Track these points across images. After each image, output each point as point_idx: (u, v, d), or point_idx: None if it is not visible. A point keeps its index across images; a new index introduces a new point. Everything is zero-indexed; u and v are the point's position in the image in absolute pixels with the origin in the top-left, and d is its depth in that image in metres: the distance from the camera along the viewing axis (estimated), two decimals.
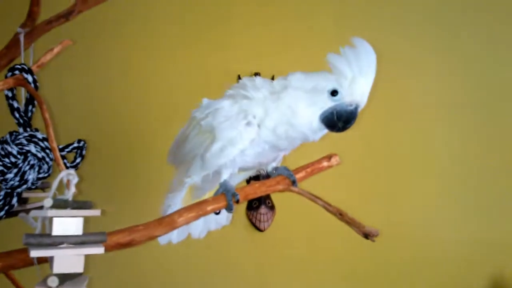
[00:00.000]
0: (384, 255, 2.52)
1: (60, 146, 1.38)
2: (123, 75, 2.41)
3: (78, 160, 1.42)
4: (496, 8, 2.79)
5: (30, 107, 1.37)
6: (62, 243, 0.98)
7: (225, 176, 1.27)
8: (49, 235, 0.99)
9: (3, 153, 1.25)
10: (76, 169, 1.39)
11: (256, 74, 2.39)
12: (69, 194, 1.05)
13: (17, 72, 1.34)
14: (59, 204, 1.01)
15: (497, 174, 2.70)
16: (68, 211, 1.01)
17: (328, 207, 1.23)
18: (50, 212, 0.98)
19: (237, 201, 1.22)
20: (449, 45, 2.75)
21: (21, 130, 1.34)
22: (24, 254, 1.09)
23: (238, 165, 1.28)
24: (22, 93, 1.39)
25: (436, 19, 2.76)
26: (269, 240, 2.49)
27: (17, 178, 1.26)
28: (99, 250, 1.01)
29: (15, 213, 1.37)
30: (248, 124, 1.17)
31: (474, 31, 2.77)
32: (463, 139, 2.70)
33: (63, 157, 1.36)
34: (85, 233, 1.02)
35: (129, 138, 2.35)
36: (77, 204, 1.04)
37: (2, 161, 1.25)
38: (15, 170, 1.26)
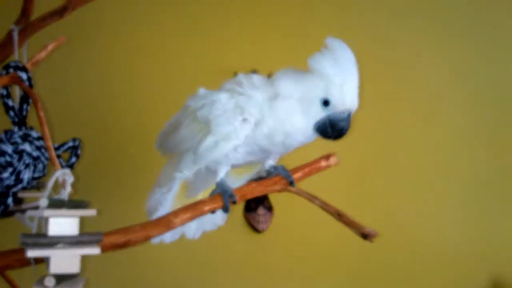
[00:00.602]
0: (383, 256, 2.52)
1: (55, 145, 1.38)
2: (119, 72, 2.40)
3: (73, 159, 1.41)
4: (496, 8, 2.80)
5: (25, 106, 1.37)
6: (58, 243, 0.98)
7: (221, 174, 1.26)
8: (45, 235, 0.99)
9: None
10: (71, 169, 1.39)
11: (254, 71, 2.39)
12: (65, 193, 1.06)
13: (11, 70, 1.34)
14: (55, 204, 1.01)
15: (496, 175, 2.70)
16: (64, 211, 1.01)
17: (325, 207, 1.23)
18: (46, 212, 0.98)
19: (234, 202, 1.21)
20: (450, 45, 2.75)
21: (16, 128, 1.33)
22: (20, 254, 1.06)
23: (231, 162, 1.26)
24: (17, 91, 1.39)
25: (436, 18, 2.76)
26: (267, 242, 2.49)
27: (12, 178, 1.25)
28: (95, 250, 1.01)
29: (11, 213, 1.38)
30: (244, 120, 1.16)
31: (474, 31, 2.77)
32: (462, 139, 2.71)
33: (59, 156, 1.36)
34: (81, 233, 1.02)
35: (125, 137, 2.34)
36: (73, 204, 1.04)
37: None
38: (10, 169, 1.25)
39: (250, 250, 2.49)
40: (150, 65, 2.45)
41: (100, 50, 2.39)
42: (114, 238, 1.10)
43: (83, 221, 1.04)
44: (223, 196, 1.20)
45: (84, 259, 1.01)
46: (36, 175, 1.30)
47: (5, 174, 1.25)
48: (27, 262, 1.06)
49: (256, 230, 2.44)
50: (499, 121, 2.75)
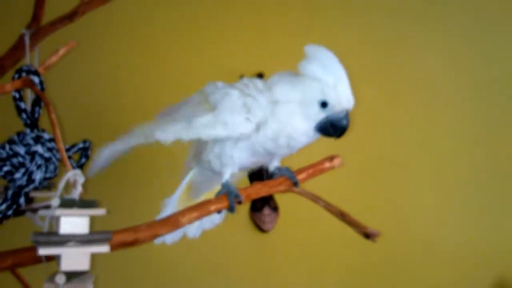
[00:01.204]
0: (387, 255, 2.53)
1: (67, 146, 1.40)
2: (128, 75, 2.43)
3: (84, 160, 1.44)
4: (497, 7, 2.80)
5: (37, 108, 1.39)
6: (69, 241, 1.00)
7: (226, 176, 1.29)
8: (57, 234, 1.01)
9: (11, 153, 1.28)
10: (81, 169, 1.42)
11: (260, 74, 2.41)
12: (76, 193, 1.08)
13: (24, 73, 1.37)
14: (66, 204, 1.03)
15: (499, 175, 2.70)
16: (75, 210, 1.03)
17: (329, 207, 1.25)
18: (58, 211, 1.01)
19: (240, 202, 1.23)
20: (450, 45, 2.74)
21: (28, 130, 1.36)
22: (31, 252, 1.10)
23: (237, 163, 1.29)
24: (28, 95, 1.42)
25: (437, 18, 2.76)
26: (273, 241, 2.51)
27: (25, 178, 1.28)
28: (104, 248, 1.04)
29: (22, 212, 1.40)
30: (246, 119, 1.19)
31: (474, 31, 2.77)
32: (464, 139, 2.70)
33: (69, 157, 1.38)
34: (91, 232, 1.04)
35: None
36: (83, 203, 1.06)
37: (10, 161, 1.28)
38: (22, 170, 1.28)
39: (256, 249, 2.50)
40: (157, 67, 2.47)
41: (108, 54, 2.42)
42: (123, 237, 1.13)
43: (93, 220, 1.06)
44: (229, 196, 1.23)
45: (94, 256, 1.04)
46: (48, 175, 1.33)
47: (18, 175, 1.28)
48: (38, 260, 1.08)
49: (261, 230, 2.46)
50: (500, 120, 2.73)
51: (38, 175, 1.30)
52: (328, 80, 1.16)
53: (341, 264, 2.54)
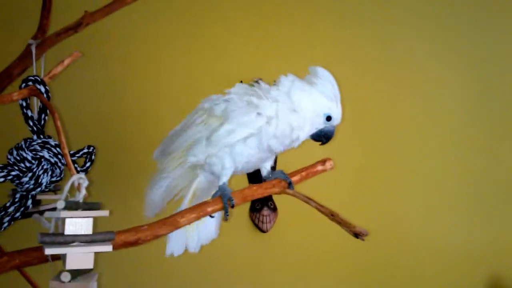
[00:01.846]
0: (384, 255, 2.55)
1: (71, 152, 1.44)
2: (131, 84, 2.47)
3: (88, 164, 1.48)
4: (497, 7, 2.82)
5: (43, 116, 1.43)
6: (73, 241, 1.05)
7: (224, 179, 1.35)
8: (62, 234, 1.06)
9: (18, 158, 1.33)
10: (86, 173, 1.46)
11: (257, 80, 2.46)
12: (80, 196, 1.12)
13: (30, 83, 1.41)
14: (71, 206, 1.08)
15: (496, 176, 2.71)
16: (79, 212, 1.08)
17: (320, 208, 1.30)
18: (63, 213, 1.06)
19: (232, 206, 1.30)
20: (449, 45, 2.76)
21: (35, 137, 1.40)
22: (38, 252, 1.15)
23: (238, 165, 1.36)
24: (35, 103, 1.45)
25: (437, 20, 2.77)
26: (271, 241, 2.54)
27: (32, 182, 1.33)
28: (107, 248, 1.08)
29: (29, 214, 1.45)
30: (259, 114, 1.29)
31: (474, 30, 2.78)
32: (463, 140, 2.71)
33: (74, 162, 1.42)
34: (94, 232, 1.09)
35: (135, 143, 2.41)
36: (87, 206, 1.11)
37: (18, 165, 1.32)
38: (30, 174, 1.32)
39: (255, 249, 2.54)
40: (160, 76, 2.51)
41: (112, 63, 2.46)
42: (125, 237, 1.17)
43: (96, 221, 1.10)
44: (223, 199, 1.29)
45: (97, 255, 1.09)
46: (54, 179, 1.37)
47: (25, 179, 1.32)
48: (44, 259, 1.13)
49: (260, 230, 2.50)
50: (501, 123, 2.75)
51: (44, 179, 1.34)
52: (334, 99, 1.33)
53: (339, 264, 2.57)
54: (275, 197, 2.50)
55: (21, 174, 1.33)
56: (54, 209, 1.11)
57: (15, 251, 1.17)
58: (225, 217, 1.32)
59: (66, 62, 1.51)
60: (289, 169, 1.43)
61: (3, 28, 2.35)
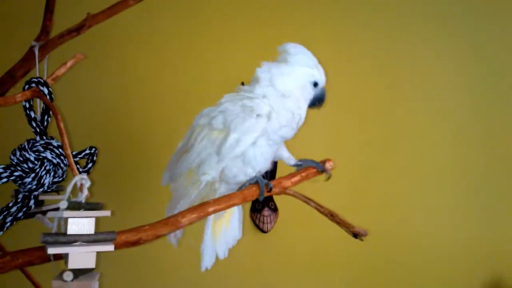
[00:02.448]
0: (385, 256, 2.56)
1: (74, 153, 1.46)
2: (133, 85, 2.49)
3: (90, 165, 1.50)
4: (497, 6, 2.82)
5: (46, 117, 1.44)
6: (76, 241, 1.06)
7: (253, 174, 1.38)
8: (64, 234, 1.07)
9: (21, 159, 1.34)
10: (88, 173, 1.48)
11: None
12: (82, 196, 1.14)
13: (33, 84, 1.42)
14: (73, 206, 1.09)
15: (495, 177, 2.70)
16: (81, 212, 1.09)
17: (320, 208, 1.32)
18: (66, 213, 1.07)
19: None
20: (449, 45, 2.76)
21: (38, 138, 1.41)
22: (40, 251, 1.16)
23: (257, 168, 1.38)
24: (38, 104, 1.46)
25: (436, 17, 2.77)
26: (272, 241, 2.55)
27: (35, 182, 1.34)
28: (109, 247, 1.10)
29: (32, 215, 1.46)
30: (258, 116, 1.31)
31: (474, 33, 2.78)
32: (464, 141, 2.70)
33: (76, 163, 1.43)
34: (96, 232, 1.10)
35: (137, 144, 2.43)
36: (89, 206, 1.12)
37: (20, 166, 1.34)
38: (32, 175, 1.34)
39: (256, 249, 2.55)
40: (162, 77, 2.52)
41: (114, 64, 2.47)
42: (126, 237, 1.18)
43: (98, 221, 1.11)
44: (260, 183, 1.34)
45: (99, 255, 1.10)
46: (56, 179, 1.38)
47: (28, 179, 1.33)
48: (47, 259, 1.14)
49: (261, 230, 2.51)
50: (500, 123, 2.74)
51: (47, 180, 1.36)
52: (312, 65, 1.39)
53: (339, 264, 2.58)
54: (276, 197, 2.51)
55: (24, 175, 1.34)
56: (57, 209, 1.11)
57: (18, 251, 1.18)
58: (260, 198, 1.36)
59: (69, 64, 1.53)
60: (289, 170, 1.45)
61: (6, 30, 2.37)
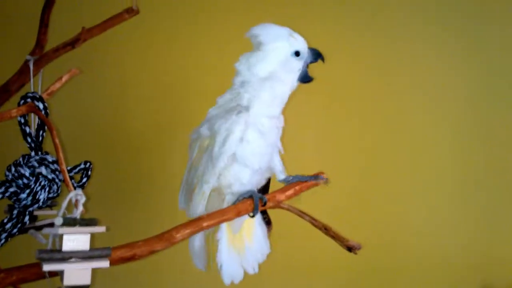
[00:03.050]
0: (381, 268, 2.55)
1: (68, 168, 1.46)
2: (128, 99, 2.48)
3: (84, 180, 1.50)
4: (497, 6, 2.80)
5: (41, 132, 1.45)
6: (71, 257, 1.06)
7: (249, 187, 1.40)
8: (60, 251, 1.07)
9: (16, 174, 1.34)
10: (82, 188, 1.48)
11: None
12: (77, 212, 1.13)
13: (29, 99, 1.43)
14: (69, 222, 1.09)
15: (494, 182, 2.67)
16: (77, 229, 1.09)
17: (314, 222, 1.33)
18: (61, 230, 1.07)
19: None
20: (449, 45, 2.71)
21: (33, 153, 1.42)
22: (35, 268, 1.16)
23: (251, 165, 1.38)
24: (32, 119, 1.47)
25: (437, 18, 2.73)
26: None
27: (30, 198, 1.34)
28: (104, 264, 1.09)
29: (25, 230, 1.45)
30: (238, 113, 1.33)
31: (473, 32, 2.73)
32: (455, 148, 2.69)
33: (71, 178, 1.42)
34: (91, 248, 1.10)
35: (133, 160, 2.41)
36: (85, 222, 1.12)
37: (16, 182, 1.34)
38: (27, 191, 1.34)
39: None
40: (158, 91, 2.51)
41: (110, 78, 2.47)
42: (121, 253, 1.20)
43: (93, 236, 1.11)
44: (254, 198, 1.35)
45: (94, 271, 1.10)
46: (51, 195, 1.39)
47: (23, 195, 1.34)
48: (42, 276, 1.14)
49: None
50: (499, 131, 2.67)
51: (42, 195, 1.36)
52: (286, 36, 1.37)
53: (334, 277, 2.56)
54: (269, 211, 2.50)
55: (19, 191, 1.35)
56: (51, 224, 1.12)
57: (13, 268, 1.18)
58: (254, 213, 1.38)
59: (64, 78, 1.54)
60: (283, 184, 1.46)
61: (1, 44, 2.36)
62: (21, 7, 2.39)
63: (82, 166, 1.50)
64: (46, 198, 1.38)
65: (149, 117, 2.49)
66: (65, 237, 1.08)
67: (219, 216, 1.32)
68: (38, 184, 1.35)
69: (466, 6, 2.76)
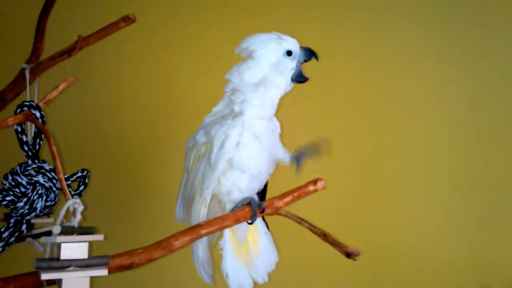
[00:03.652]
0: (377, 274, 2.55)
1: (65, 176, 1.45)
2: (125, 107, 2.49)
3: (82, 188, 1.50)
4: (497, 6, 2.80)
5: (38, 141, 1.45)
6: (69, 266, 1.06)
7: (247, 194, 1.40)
8: (58, 259, 1.06)
9: (13, 183, 1.34)
10: (80, 196, 1.48)
11: None
12: (75, 221, 1.13)
13: (25, 108, 1.43)
14: (67, 231, 1.09)
15: (489, 187, 2.67)
16: (75, 237, 1.09)
17: (312, 228, 1.33)
18: (59, 238, 1.06)
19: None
20: (449, 46, 2.71)
21: (29, 162, 1.41)
22: (33, 277, 1.15)
23: (247, 171, 1.38)
24: (29, 127, 1.46)
25: (437, 19, 2.73)
26: None
27: (27, 207, 1.34)
28: (103, 272, 1.09)
29: (23, 238, 1.44)
30: (234, 117, 1.35)
31: (472, 32, 2.72)
32: (450, 154, 2.71)
33: (68, 186, 1.43)
34: (90, 257, 1.09)
35: (130, 167, 2.41)
36: (83, 230, 1.12)
37: (13, 191, 1.34)
38: (25, 199, 1.33)
39: None
40: (154, 98, 2.51)
41: (106, 86, 2.47)
42: (119, 261, 1.19)
43: (91, 245, 1.11)
44: (252, 204, 1.34)
45: (93, 279, 1.09)
46: (48, 203, 1.38)
47: (20, 204, 1.33)
48: (39, 284, 1.14)
49: None
50: (497, 137, 2.65)
51: (39, 204, 1.35)
52: (275, 38, 1.38)
53: (332, 284, 2.56)
54: (267, 218, 2.49)
55: (16, 199, 1.34)
56: (49, 233, 1.11)
57: (10, 277, 1.17)
58: (252, 220, 1.36)
59: (61, 87, 1.54)
60: (281, 190, 1.45)
61: None
62: (17, 15, 2.39)
63: (79, 174, 1.50)
64: (43, 207, 1.37)
65: (145, 124, 2.49)
66: (63, 246, 1.08)
67: (218, 223, 1.32)
68: (35, 192, 1.35)
69: (466, 7, 2.76)
